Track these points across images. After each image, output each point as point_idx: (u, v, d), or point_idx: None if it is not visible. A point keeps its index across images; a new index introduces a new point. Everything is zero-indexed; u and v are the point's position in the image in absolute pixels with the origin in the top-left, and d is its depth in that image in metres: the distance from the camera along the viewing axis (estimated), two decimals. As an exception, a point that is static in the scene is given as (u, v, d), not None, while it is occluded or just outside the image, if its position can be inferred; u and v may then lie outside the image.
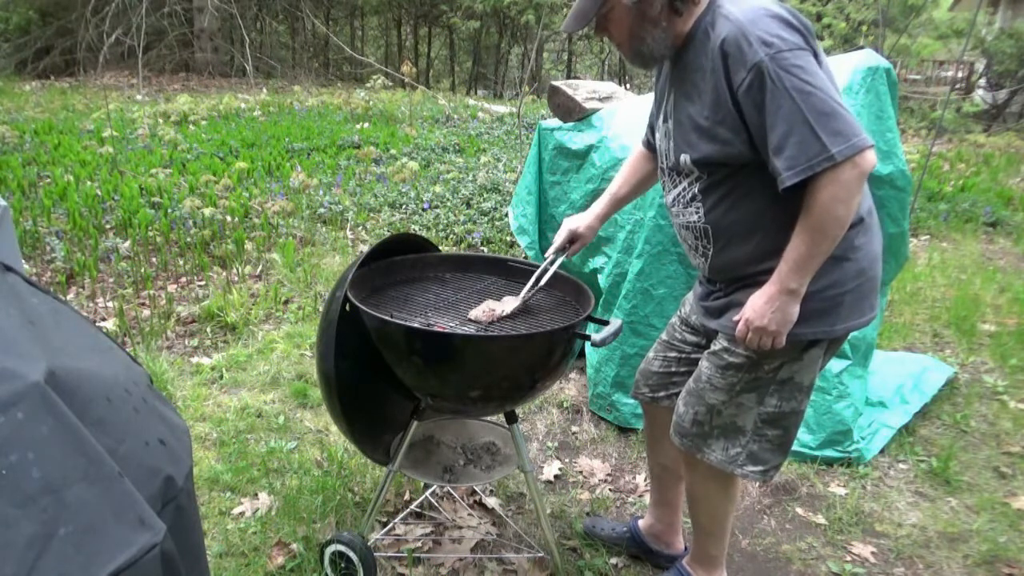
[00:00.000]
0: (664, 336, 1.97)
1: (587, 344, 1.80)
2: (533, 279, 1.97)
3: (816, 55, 1.47)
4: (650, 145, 1.96)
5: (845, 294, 1.59)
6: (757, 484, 2.57)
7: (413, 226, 5.46)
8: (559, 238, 1.99)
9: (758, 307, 1.54)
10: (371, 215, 5.77)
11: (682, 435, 1.79)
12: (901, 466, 2.72)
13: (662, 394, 1.95)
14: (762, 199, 1.56)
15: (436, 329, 1.76)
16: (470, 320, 1.86)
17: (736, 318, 1.61)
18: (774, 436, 1.72)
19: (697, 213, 1.66)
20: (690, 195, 1.66)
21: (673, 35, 1.59)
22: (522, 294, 1.94)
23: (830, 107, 1.40)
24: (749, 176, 1.55)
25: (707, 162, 1.58)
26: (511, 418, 1.98)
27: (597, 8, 1.56)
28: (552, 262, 1.99)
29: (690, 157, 1.60)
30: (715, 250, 1.66)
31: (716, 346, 1.72)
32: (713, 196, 1.62)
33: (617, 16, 1.58)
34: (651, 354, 1.99)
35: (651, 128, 1.92)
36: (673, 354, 1.92)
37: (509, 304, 1.91)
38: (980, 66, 14.13)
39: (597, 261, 3.03)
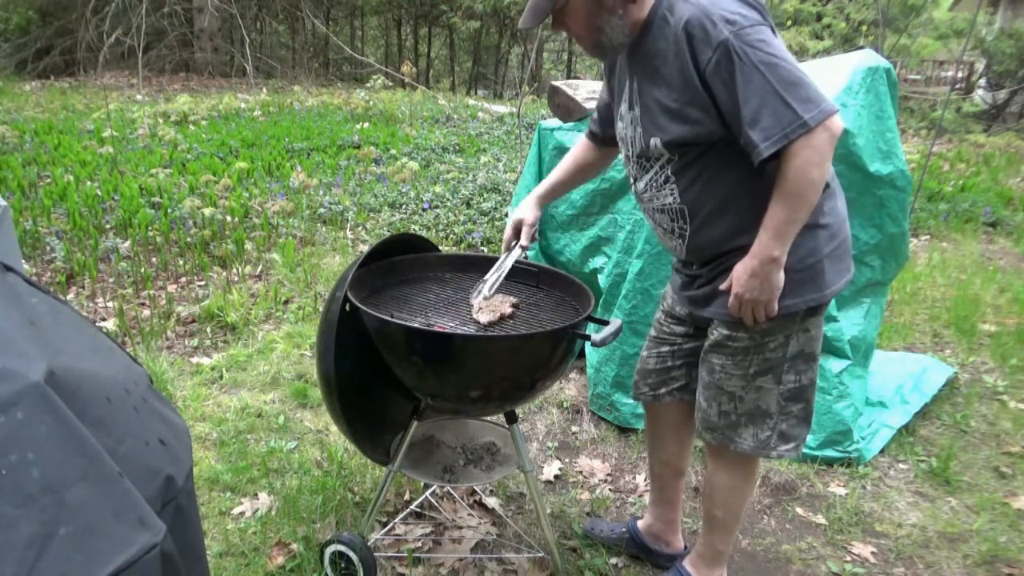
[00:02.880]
0: (652, 333, 1.99)
1: (587, 344, 1.79)
2: (498, 274, 1.96)
3: (772, 30, 1.51)
4: (595, 137, 2.00)
5: (824, 259, 1.64)
6: (757, 483, 2.57)
7: (413, 226, 5.46)
8: (507, 234, 2.02)
9: (744, 281, 1.58)
10: (371, 215, 5.77)
11: (711, 429, 1.81)
12: (901, 466, 2.72)
13: (663, 391, 1.96)
14: (734, 175, 1.60)
15: (436, 329, 1.76)
16: (488, 323, 1.84)
17: (723, 287, 1.65)
18: (798, 410, 1.76)
19: (672, 195, 1.68)
20: (663, 178, 1.69)
21: (630, 23, 1.61)
22: (488, 287, 1.93)
23: (796, 76, 1.44)
24: (720, 154, 1.59)
25: (679, 143, 1.60)
26: (511, 418, 1.98)
27: (553, 3, 1.58)
28: (508, 256, 2.00)
29: (661, 140, 1.62)
30: (692, 230, 1.69)
31: (715, 335, 1.74)
32: (687, 176, 1.64)
33: (574, 8, 1.60)
34: (644, 353, 2.00)
35: (601, 119, 1.96)
36: (665, 348, 1.94)
37: (505, 304, 1.91)
38: (980, 66, 14.13)
39: (597, 261, 3.03)
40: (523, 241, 1.98)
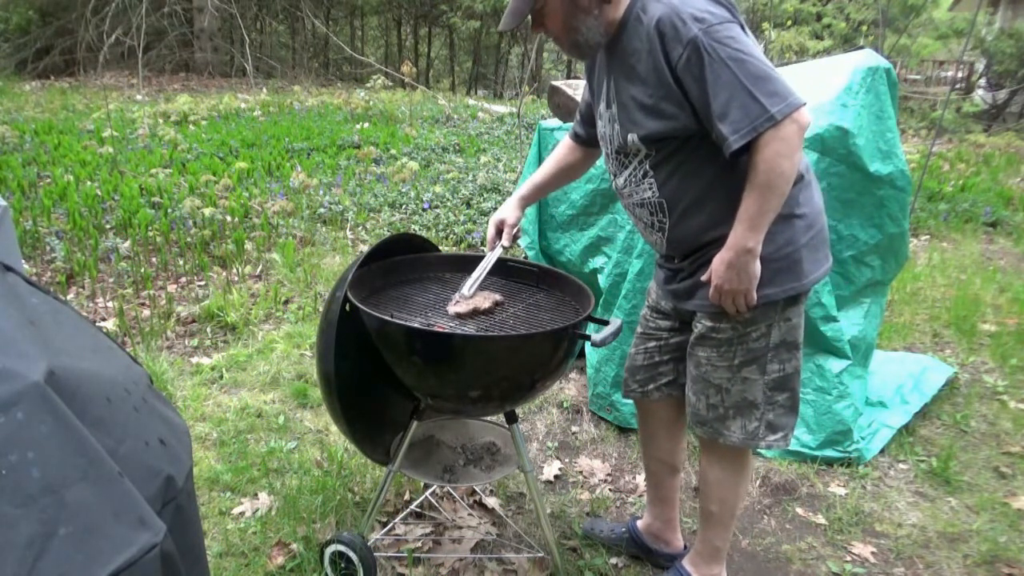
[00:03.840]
0: (639, 329, 2.01)
1: (587, 344, 1.80)
2: (480, 272, 1.99)
3: (742, 27, 1.55)
4: (578, 138, 2.03)
5: (801, 249, 1.67)
6: (757, 483, 2.57)
7: (413, 226, 5.46)
8: (489, 234, 2.05)
9: (722, 273, 1.61)
10: (371, 215, 5.77)
11: (701, 423, 1.83)
12: (901, 466, 2.72)
13: (651, 387, 1.97)
14: (711, 168, 1.63)
15: (436, 329, 1.76)
16: (456, 315, 1.86)
17: (703, 278, 1.68)
18: (784, 399, 1.78)
19: (651, 189, 1.72)
20: (641, 173, 1.72)
21: (606, 23, 1.65)
22: (468, 286, 1.95)
23: (764, 71, 1.48)
24: (696, 148, 1.62)
25: (655, 138, 1.64)
26: (511, 418, 1.98)
27: (531, 4, 1.62)
28: (491, 255, 2.03)
29: (638, 135, 1.66)
30: (671, 223, 1.72)
31: (699, 328, 1.76)
32: (664, 170, 1.68)
33: (551, 10, 1.64)
34: (632, 350, 2.02)
35: (583, 120, 1.99)
36: (652, 344, 1.95)
37: (485, 299, 1.92)
38: (980, 66, 14.13)
39: (597, 261, 3.03)
40: (504, 241, 2.02)
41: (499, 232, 2.04)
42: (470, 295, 1.93)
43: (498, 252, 2.02)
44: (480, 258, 2.08)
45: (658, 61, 1.55)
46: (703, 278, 1.68)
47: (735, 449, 1.83)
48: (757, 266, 1.60)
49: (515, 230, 2.04)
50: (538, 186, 2.10)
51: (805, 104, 1.49)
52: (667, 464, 2.09)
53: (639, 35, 1.59)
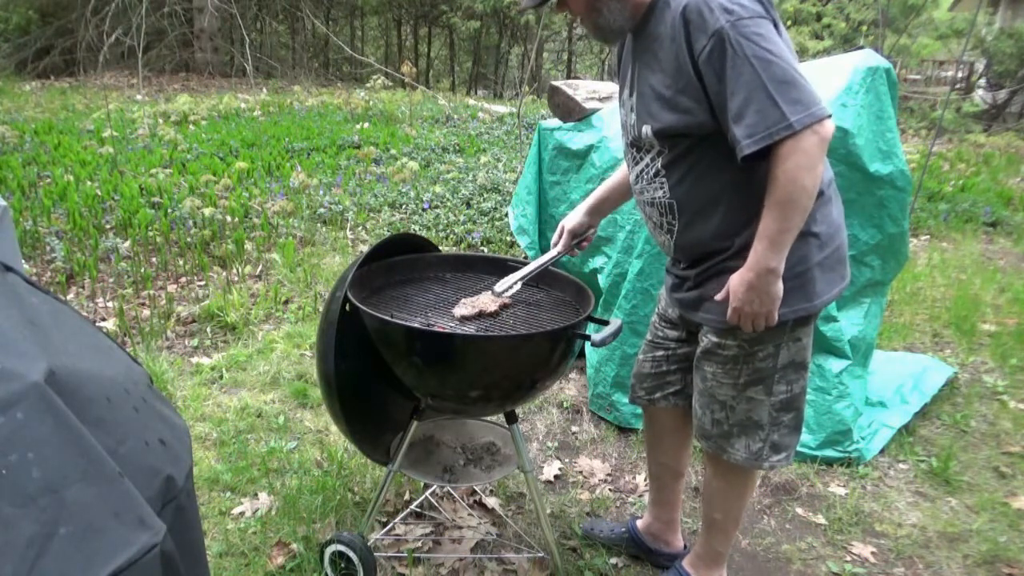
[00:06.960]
0: (648, 336, 1.98)
1: (587, 344, 1.80)
2: (522, 273, 1.97)
3: (776, 24, 1.47)
4: None
5: (813, 268, 1.60)
6: (758, 483, 2.57)
7: (413, 226, 5.46)
8: (554, 237, 2.02)
9: (742, 295, 1.53)
10: (371, 215, 5.77)
11: (706, 437, 1.80)
12: (901, 466, 2.72)
13: (658, 395, 1.96)
14: (725, 172, 1.57)
15: (436, 329, 1.76)
16: (462, 317, 1.86)
17: (719, 298, 1.60)
18: (789, 420, 1.75)
19: (662, 188, 1.66)
20: (653, 171, 1.67)
21: (632, 6, 1.59)
22: (503, 284, 1.94)
23: (790, 76, 1.40)
24: (711, 148, 1.56)
25: (668, 133, 1.57)
26: (511, 418, 1.98)
27: None
28: (542, 256, 2.02)
29: (651, 128, 1.59)
30: (680, 226, 1.67)
31: (705, 342, 1.73)
32: (677, 171, 1.62)
33: None
34: (640, 356, 2.00)
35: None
36: (660, 353, 1.93)
37: (492, 303, 1.92)
38: (980, 66, 14.13)
39: (597, 261, 3.03)
40: (559, 247, 2.01)
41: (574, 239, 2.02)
42: (501, 291, 1.93)
43: (550, 255, 2.00)
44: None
45: (680, 50, 1.48)
46: (718, 297, 1.60)
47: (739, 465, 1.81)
48: (779, 287, 1.51)
49: (573, 237, 2.00)
50: (602, 197, 2.03)
51: (831, 116, 1.41)
52: (671, 469, 2.07)
53: (665, 20, 1.52)
